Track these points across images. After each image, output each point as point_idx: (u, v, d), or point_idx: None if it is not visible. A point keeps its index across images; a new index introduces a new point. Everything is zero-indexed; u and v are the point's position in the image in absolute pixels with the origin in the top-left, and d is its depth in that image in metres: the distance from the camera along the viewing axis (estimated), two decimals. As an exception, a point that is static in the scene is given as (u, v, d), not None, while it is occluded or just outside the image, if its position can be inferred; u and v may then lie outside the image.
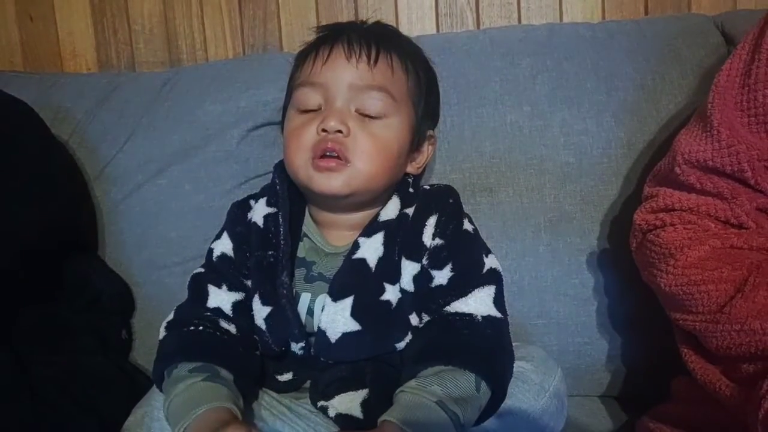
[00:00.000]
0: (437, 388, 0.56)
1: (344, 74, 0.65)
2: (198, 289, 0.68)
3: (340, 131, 0.63)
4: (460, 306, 0.62)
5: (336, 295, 0.63)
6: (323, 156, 0.63)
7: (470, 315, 0.61)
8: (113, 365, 0.79)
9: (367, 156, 0.64)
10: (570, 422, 0.70)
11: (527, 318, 0.84)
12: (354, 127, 0.64)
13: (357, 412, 0.61)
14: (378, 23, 0.73)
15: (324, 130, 0.63)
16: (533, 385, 0.62)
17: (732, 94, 0.66)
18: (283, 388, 0.68)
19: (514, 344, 0.65)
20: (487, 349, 0.60)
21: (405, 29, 1.09)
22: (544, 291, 0.84)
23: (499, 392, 0.60)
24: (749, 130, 0.64)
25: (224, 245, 0.70)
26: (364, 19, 0.73)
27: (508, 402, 0.61)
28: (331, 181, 0.64)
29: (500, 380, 0.60)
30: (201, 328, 0.64)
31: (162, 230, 0.92)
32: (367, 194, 0.67)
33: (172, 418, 0.58)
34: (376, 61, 0.66)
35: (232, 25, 1.14)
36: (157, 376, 0.63)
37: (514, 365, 0.62)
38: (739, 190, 0.64)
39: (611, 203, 0.85)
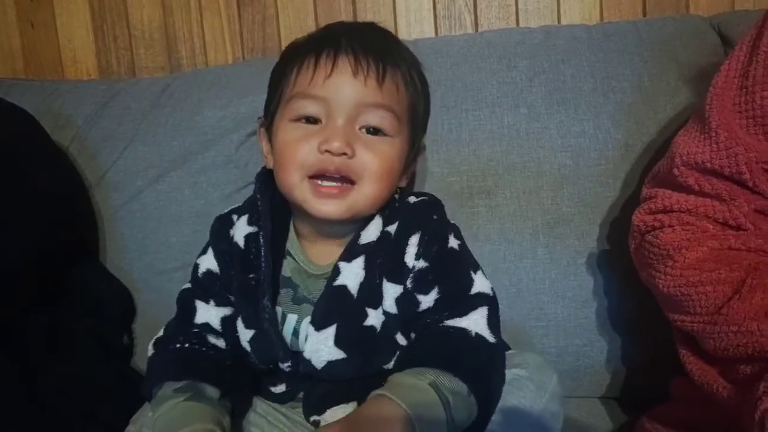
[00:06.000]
0: (430, 375, 0.56)
1: (350, 91, 0.61)
2: (185, 305, 0.67)
3: (344, 153, 0.60)
4: (453, 323, 0.61)
5: (318, 325, 0.62)
6: (323, 176, 0.61)
7: (463, 329, 0.60)
8: (115, 372, 0.80)
9: (372, 179, 0.61)
10: (570, 423, 0.70)
11: (526, 320, 0.84)
12: (359, 148, 0.61)
13: None
14: (373, 26, 0.69)
15: (327, 151, 0.60)
16: (529, 391, 0.61)
17: (730, 96, 0.65)
18: (278, 399, 0.67)
19: (511, 352, 0.64)
20: (479, 365, 0.59)
21: (403, 32, 1.09)
22: (543, 293, 0.84)
23: (484, 410, 0.58)
24: (747, 132, 0.64)
25: (209, 262, 0.68)
26: (357, 21, 0.70)
27: (507, 407, 0.60)
28: (331, 207, 0.61)
29: (489, 398, 0.58)
30: (187, 345, 0.64)
31: (162, 235, 0.92)
32: (365, 215, 0.64)
33: None
34: (383, 79, 0.62)
35: (232, 29, 1.14)
36: (147, 394, 0.63)
37: (510, 372, 0.62)
38: (737, 191, 0.64)
39: (609, 205, 0.85)
